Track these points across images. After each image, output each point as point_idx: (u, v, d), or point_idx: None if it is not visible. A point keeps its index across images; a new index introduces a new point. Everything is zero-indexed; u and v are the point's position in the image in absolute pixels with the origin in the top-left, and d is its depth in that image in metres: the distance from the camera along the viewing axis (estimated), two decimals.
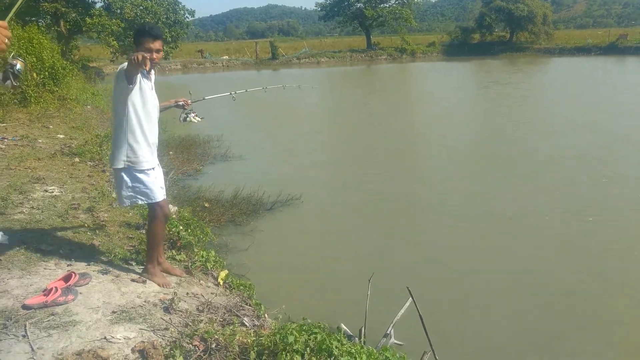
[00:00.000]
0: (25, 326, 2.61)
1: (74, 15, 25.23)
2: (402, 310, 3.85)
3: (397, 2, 51.19)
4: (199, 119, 4.25)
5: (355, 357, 2.58)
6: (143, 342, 2.59)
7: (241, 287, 3.98)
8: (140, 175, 3.24)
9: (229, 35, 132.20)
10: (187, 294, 3.46)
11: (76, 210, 4.78)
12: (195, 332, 2.75)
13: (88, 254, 3.77)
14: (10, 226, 4.07)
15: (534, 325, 4.34)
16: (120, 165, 3.21)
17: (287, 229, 6.63)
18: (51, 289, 2.90)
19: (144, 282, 3.39)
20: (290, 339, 2.53)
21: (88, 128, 9.80)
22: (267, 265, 5.47)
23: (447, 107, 16.81)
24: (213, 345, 2.61)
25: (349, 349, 2.63)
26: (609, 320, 4.40)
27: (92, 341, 2.56)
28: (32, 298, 2.88)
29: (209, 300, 3.40)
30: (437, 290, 4.90)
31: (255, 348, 2.58)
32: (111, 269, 3.50)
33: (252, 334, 2.81)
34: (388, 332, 3.75)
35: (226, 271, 4.15)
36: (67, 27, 25.46)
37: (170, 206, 4.46)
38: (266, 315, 3.74)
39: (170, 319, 2.94)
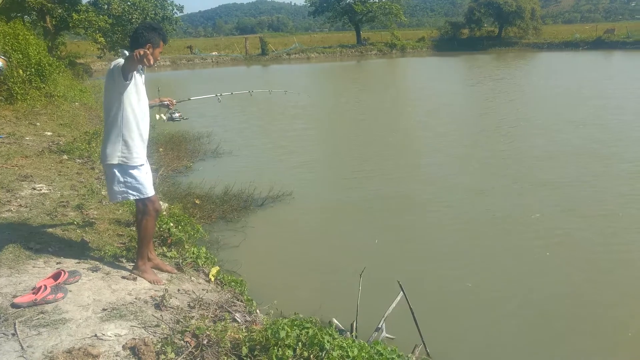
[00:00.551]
0: (14, 325, 2.59)
1: (60, 11, 24.84)
2: (393, 305, 3.88)
3: None
4: (184, 119, 4.45)
5: (346, 351, 2.59)
6: (134, 339, 2.58)
7: (232, 283, 3.99)
8: (133, 171, 3.25)
9: (218, 31, 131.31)
10: (178, 290, 3.46)
11: (65, 207, 4.74)
12: (187, 329, 2.75)
13: (78, 251, 3.75)
14: None
15: (524, 320, 4.35)
16: (115, 161, 3.20)
17: (279, 225, 6.62)
18: (40, 287, 2.87)
19: (134, 279, 3.38)
20: (282, 334, 2.53)
21: (76, 125, 9.70)
22: (259, 261, 5.46)
23: (438, 102, 16.85)
24: (205, 341, 2.61)
25: (341, 343, 2.64)
26: (604, 319, 4.36)
27: (82, 339, 2.54)
28: (21, 296, 2.85)
29: (200, 296, 3.39)
30: (428, 284, 4.92)
31: (247, 343, 2.59)
32: (101, 266, 3.48)
33: (243, 330, 2.82)
34: (379, 326, 3.78)
35: (217, 267, 4.15)
36: (54, 23, 25.06)
37: (161, 203, 4.44)
38: (258, 310, 3.75)
39: (161, 315, 2.93)
